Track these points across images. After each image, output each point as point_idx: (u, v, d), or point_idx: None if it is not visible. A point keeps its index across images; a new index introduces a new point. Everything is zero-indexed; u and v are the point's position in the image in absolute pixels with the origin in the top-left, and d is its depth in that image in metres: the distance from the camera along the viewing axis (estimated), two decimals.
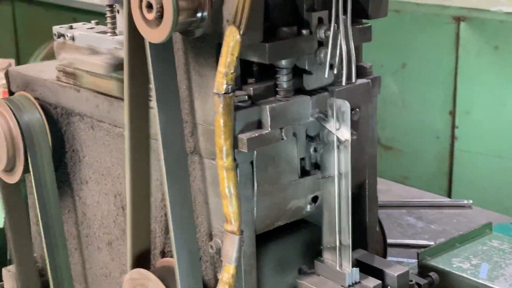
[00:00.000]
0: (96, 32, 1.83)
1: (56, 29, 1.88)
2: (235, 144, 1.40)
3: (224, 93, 1.35)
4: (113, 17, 1.83)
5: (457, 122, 4.16)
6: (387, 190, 2.46)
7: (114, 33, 1.81)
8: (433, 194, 2.47)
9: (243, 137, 1.40)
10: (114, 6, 1.82)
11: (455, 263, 1.84)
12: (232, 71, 1.34)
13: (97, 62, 1.68)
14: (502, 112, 3.98)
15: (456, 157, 4.22)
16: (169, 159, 1.45)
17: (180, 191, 1.47)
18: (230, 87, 1.35)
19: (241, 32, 1.33)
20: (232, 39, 1.33)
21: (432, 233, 2.19)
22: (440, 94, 4.19)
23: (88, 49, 1.76)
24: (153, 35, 1.36)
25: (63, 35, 1.87)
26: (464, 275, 1.80)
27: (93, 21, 1.93)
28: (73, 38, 1.85)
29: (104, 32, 1.83)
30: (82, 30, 1.85)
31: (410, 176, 4.34)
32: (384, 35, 4.08)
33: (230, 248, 1.41)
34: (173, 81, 1.45)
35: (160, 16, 1.33)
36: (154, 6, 1.33)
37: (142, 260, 1.61)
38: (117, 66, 1.67)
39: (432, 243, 2.14)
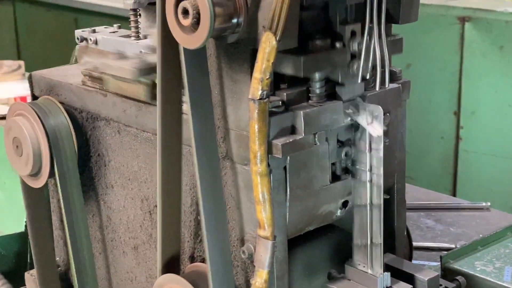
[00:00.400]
0: (120, 36, 1.83)
1: (78, 33, 1.87)
2: (269, 150, 1.40)
3: (260, 99, 1.35)
4: (136, 21, 1.82)
5: (462, 122, 4.17)
6: None
7: (138, 37, 1.81)
8: (451, 197, 2.48)
9: (278, 142, 1.40)
10: (138, 10, 1.82)
11: (479, 266, 1.85)
12: (267, 77, 1.34)
13: (125, 66, 1.67)
14: (507, 112, 3.99)
15: (461, 158, 4.23)
16: (203, 164, 1.45)
17: (213, 196, 1.47)
18: (265, 93, 1.35)
19: (277, 38, 1.33)
20: (268, 45, 1.33)
21: (451, 235, 2.19)
22: (445, 95, 4.20)
23: (114, 54, 1.75)
24: (189, 42, 1.36)
25: (85, 39, 1.86)
26: (489, 278, 1.80)
27: (115, 25, 1.93)
28: (96, 42, 1.85)
29: (128, 36, 1.83)
30: (105, 34, 1.85)
31: (415, 177, 4.34)
32: None
33: (263, 254, 1.42)
34: (206, 87, 1.45)
35: (196, 22, 1.33)
36: (191, 12, 1.33)
37: (171, 265, 1.61)
38: (145, 71, 1.67)
39: (452, 245, 2.14)
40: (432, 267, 2.05)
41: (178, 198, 1.58)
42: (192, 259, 1.63)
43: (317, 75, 1.45)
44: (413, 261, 2.08)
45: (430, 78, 4.25)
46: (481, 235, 2.11)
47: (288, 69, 1.42)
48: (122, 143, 1.73)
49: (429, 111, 4.30)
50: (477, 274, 1.82)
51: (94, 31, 1.87)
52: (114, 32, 1.87)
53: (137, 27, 1.82)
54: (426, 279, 1.55)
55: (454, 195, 4.24)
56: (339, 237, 1.62)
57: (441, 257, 1.87)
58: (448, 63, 4.14)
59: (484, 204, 2.35)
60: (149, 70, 1.64)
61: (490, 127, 4.07)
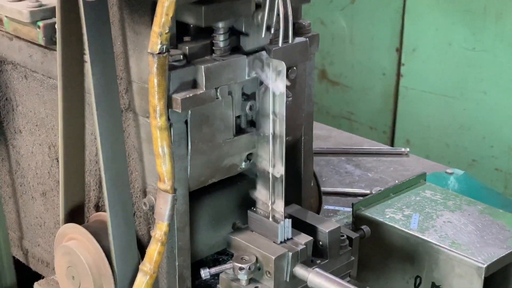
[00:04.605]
0: None
1: None
2: (169, 104, 1.39)
3: (159, 53, 1.33)
4: None
5: (403, 59, 4.18)
6: (327, 136, 2.48)
7: None
8: (373, 141, 2.50)
9: (177, 97, 1.39)
10: None
11: (388, 214, 1.87)
12: (166, 31, 1.32)
13: (19, 8, 1.60)
14: (447, 51, 4.01)
15: (401, 95, 4.26)
16: (103, 115, 1.43)
17: (113, 146, 1.46)
18: (164, 47, 1.33)
19: None
20: None
21: (368, 181, 2.22)
22: (388, 31, 4.19)
23: None
24: None
25: None
26: (396, 225, 1.83)
27: None
28: None
29: None
30: None
31: (356, 112, 4.38)
32: None
33: (163, 206, 1.42)
34: (108, 36, 1.42)
35: None
36: None
37: (75, 213, 1.60)
38: (41, 13, 1.60)
39: (368, 191, 2.17)
40: (346, 213, 2.09)
41: (81, 146, 1.56)
42: (98, 208, 1.63)
43: (220, 25, 1.43)
44: (329, 207, 2.12)
45: (374, 14, 4.23)
46: (396, 181, 2.14)
47: (189, 19, 1.39)
48: (30, 89, 1.69)
49: (371, 47, 4.30)
50: (385, 222, 1.84)
51: None
52: None
53: None
54: (327, 231, 1.57)
55: (393, 131, 4.29)
56: (247, 186, 1.63)
57: (353, 204, 1.90)
58: None
59: (403, 149, 2.38)
60: (48, 13, 1.59)
61: (430, 65, 4.09)
